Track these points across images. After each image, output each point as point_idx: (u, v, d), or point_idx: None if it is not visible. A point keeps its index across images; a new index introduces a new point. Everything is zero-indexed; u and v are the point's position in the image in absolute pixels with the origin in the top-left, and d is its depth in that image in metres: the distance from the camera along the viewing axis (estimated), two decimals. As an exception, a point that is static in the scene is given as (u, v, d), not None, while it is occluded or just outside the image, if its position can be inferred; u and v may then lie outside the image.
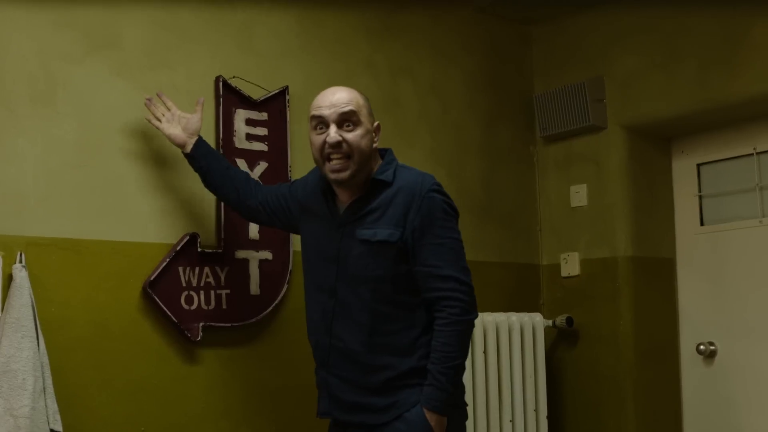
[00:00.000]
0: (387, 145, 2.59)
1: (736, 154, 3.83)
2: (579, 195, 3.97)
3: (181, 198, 2.94)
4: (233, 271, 3.01)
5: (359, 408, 2.41)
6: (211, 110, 3.03)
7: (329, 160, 2.40)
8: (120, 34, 2.86)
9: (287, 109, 3.18)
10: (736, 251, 3.80)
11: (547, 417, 3.73)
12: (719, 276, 3.86)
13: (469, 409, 3.41)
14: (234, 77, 3.08)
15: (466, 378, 2.68)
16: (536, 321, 3.76)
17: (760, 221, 3.74)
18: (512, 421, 3.62)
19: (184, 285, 2.88)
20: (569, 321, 3.88)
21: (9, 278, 2.53)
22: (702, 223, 3.95)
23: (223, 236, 2.99)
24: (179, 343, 2.88)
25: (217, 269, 2.98)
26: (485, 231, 3.87)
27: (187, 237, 2.90)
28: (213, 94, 3.04)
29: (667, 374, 3.91)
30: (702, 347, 3.83)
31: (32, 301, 2.51)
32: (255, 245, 3.06)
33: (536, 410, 3.70)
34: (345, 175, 2.40)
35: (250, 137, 3.09)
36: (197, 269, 2.92)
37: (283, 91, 3.18)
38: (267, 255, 3.09)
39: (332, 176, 2.41)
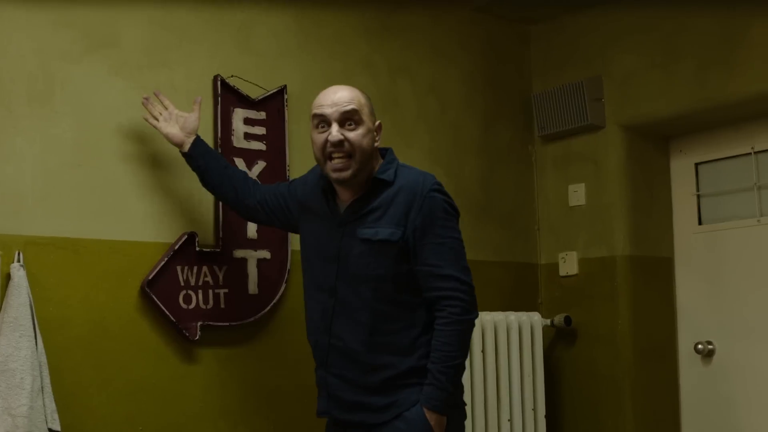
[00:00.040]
0: (385, 145, 2.59)
1: (735, 154, 3.83)
2: (577, 194, 3.98)
3: (179, 197, 2.94)
4: (231, 270, 3.01)
5: (359, 407, 2.41)
6: (210, 109, 3.03)
7: (331, 159, 2.40)
8: (118, 34, 2.86)
9: (285, 108, 3.18)
10: (734, 250, 3.80)
11: (546, 416, 3.73)
12: (717, 275, 3.86)
13: (468, 409, 3.41)
14: (232, 76, 3.08)
15: (465, 377, 2.68)
16: (534, 320, 3.76)
17: (758, 220, 3.74)
18: (510, 420, 3.62)
19: (182, 284, 2.89)
20: (567, 320, 3.88)
21: (7, 277, 2.53)
22: (700, 223, 3.95)
23: (221, 235, 2.99)
24: (177, 342, 2.88)
25: (216, 268, 2.98)
26: (484, 230, 3.87)
27: (186, 236, 2.91)
28: (211, 94, 3.04)
29: (665, 373, 3.92)
30: (700, 346, 3.83)
31: (30, 301, 2.51)
32: (253, 244, 3.07)
33: (534, 409, 3.70)
34: (347, 174, 2.39)
35: (248, 136, 3.10)
36: (195, 268, 2.92)
37: (282, 91, 3.18)
38: (265, 254, 3.09)
39: (334, 175, 2.41)
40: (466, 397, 3.39)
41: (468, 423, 3.29)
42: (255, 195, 2.75)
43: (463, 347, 2.38)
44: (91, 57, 2.80)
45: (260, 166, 3.10)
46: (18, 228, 2.61)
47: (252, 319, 3.03)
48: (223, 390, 2.98)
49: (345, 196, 2.47)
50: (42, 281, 2.62)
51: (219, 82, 3.03)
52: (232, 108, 3.07)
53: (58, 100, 2.72)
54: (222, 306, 2.97)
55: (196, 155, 2.76)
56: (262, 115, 3.13)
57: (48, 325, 2.59)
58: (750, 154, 3.78)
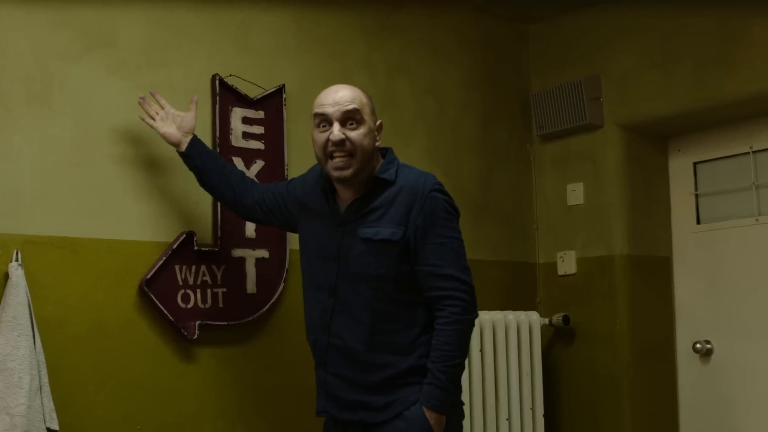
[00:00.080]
0: (384, 144, 2.58)
1: (733, 153, 3.83)
2: (576, 193, 3.98)
3: (177, 196, 2.94)
4: (230, 269, 3.01)
5: (358, 406, 2.41)
6: (208, 108, 3.03)
7: (332, 157, 2.40)
8: (117, 33, 2.86)
9: (284, 107, 3.18)
10: (733, 250, 3.81)
11: (544, 415, 3.73)
12: (716, 274, 3.86)
13: (466, 408, 3.41)
14: (231, 75, 3.08)
15: (463, 376, 2.68)
16: (533, 319, 3.76)
17: (757, 220, 3.75)
18: (509, 419, 3.62)
19: (180, 283, 2.89)
20: (566, 319, 3.88)
21: (5, 276, 2.53)
22: (698, 222, 3.96)
23: (219, 235, 2.99)
24: (176, 341, 2.88)
25: (214, 268, 2.98)
26: (482, 229, 3.87)
27: (184, 235, 2.91)
28: (210, 93, 3.04)
29: (663, 372, 3.92)
30: (698, 345, 3.84)
31: (28, 300, 2.51)
32: (251, 244, 3.07)
33: (533, 409, 3.71)
34: (348, 173, 2.39)
35: (246, 136, 3.10)
36: (194, 268, 2.93)
37: (280, 90, 3.19)
38: (263, 253, 3.09)
39: (335, 173, 2.41)
40: (465, 397, 3.39)
41: (466, 422, 3.29)
42: (253, 194, 2.74)
43: (463, 347, 2.39)
44: (89, 56, 2.80)
45: (259, 165, 3.10)
46: (16, 227, 2.61)
47: (250, 318, 3.03)
48: (222, 389, 2.98)
49: (345, 196, 2.47)
50: (40, 280, 2.62)
51: (217, 82, 3.03)
52: (230, 107, 3.07)
53: (56, 100, 2.72)
54: (220, 305, 2.97)
55: (194, 155, 2.75)
56: (260, 114, 3.13)
57: (46, 324, 2.59)
58: (748, 153, 3.79)
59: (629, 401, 3.77)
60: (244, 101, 3.10)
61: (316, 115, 2.42)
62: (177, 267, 2.88)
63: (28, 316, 2.49)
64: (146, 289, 2.80)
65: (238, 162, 3.05)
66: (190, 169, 2.78)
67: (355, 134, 2.39)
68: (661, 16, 3.73)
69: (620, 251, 3.83)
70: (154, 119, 2.78)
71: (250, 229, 3.06)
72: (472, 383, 3.51)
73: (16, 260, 2.55)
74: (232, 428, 2.99)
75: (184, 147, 2.76)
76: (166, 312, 2.83)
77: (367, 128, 2.41)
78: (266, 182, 2.92)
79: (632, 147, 3.91)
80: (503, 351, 3.63)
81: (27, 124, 2.66)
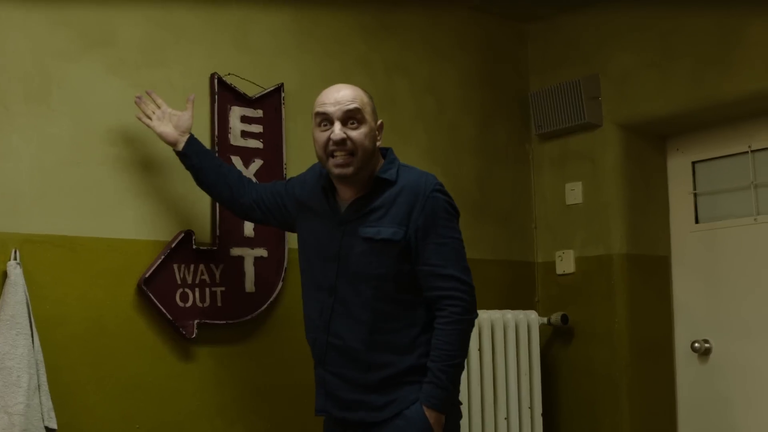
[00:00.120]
0: (383, 144, 2.59)
1: (731, 152, 3.84)
2: (574, 193, 3.98)
3: (175, 195, 2.94)
4: (228, 268, 3.01)
5: (358, 405, 2.41)
6: (207, 107, 3.03)
7: (333, 156, 2.40)
8: (115, 32, 2.86)
9: (282, 106, 3.19)
10: (731, 249, 3.81)
11: (542, 414, 3.74)
12: (714, 274, 3.86)
13: (465, 407, 3.42)
14: (229, 74, 3.08)
15: (462, 375, 2.68)
16: (531, 318, 3.76)
17: (755, 219, 3.75)
18: (507, 418, 3.62)
19: (179, 282, 2.89)
20: (564, 318, 3.88)
21: (4, 275, 2.53)
22: (697, 221, 3.96)
23: (218, 233, 3.00)
24: (174, 340, 2.88)
25: (212, 267, 2.98)
26: (481, 228, 3.87)
27: (182, 234, 2.91)
28: (208, 92, 3.04)
29: (662, 372, 3.92)
30: (697, 345, 3.84)
31: (27, 299, 2.51)
32: (250, 243, 3.07)
33: (531, 408, 3.71)
34: (349, 170, 2.39)
35: (245, 134, 3.10)
36: (192, 267, 2.93)
37: (279, 89, 3.19)
38: (262, 252, 3.09)
39: (336, 171, 2.40)
40: (463, 396, 3.39)
41: (465, 421, 3.30)
42: (250, 193, 2.74)
43: (463, 347, 2.39)
44: (87, 55, 2.80)
45: (257, 164, 3.10)
46: (15, 226, 2.61)
47: (249, 317, 3.03)
48: (220, 388, 2.98)
49: (346, 195, 2.47)
50: (39, 279, 2.62)
51: (216, 80, 3.03)
52: (229, 106, 3.07)
53: (54, 99, 2.72)
54: (219, 304, 2.97)
55: (190, 154, 2.75)
56: (259, 113, 3.13)
57: (45, 323, 2.59)
58: (747, 152, 3.79)
59: (628, 400, 3.77)
60: (243, 100, 3.10)
61: (317, 114, 2.42)
62: (175, 266, 2.88)
63: (26, 314, 2.49)
64: (145, 288, 2.80)
65: (237, 161, 3.05)
66: (187, 168, 2.78)
67: (356, 134, 2.39)
68: (659, 15, 3.73)
69: (619, 250, 3.84)
70: (150, 119, 2.78)
71: (248, 228, 3.06)
72: (470, 382, 3.51)
73: (15, 259, 2.55)
74: (231, 427, 2.99)
75: (180, 146, 2.75)
76: (164, 311, 2.83)
77: (368, 128, 2.41)
78: (265, 181, 2.92)
79: (631, 146, 3.91)
80: (502, 350, 3.63)
81: (25, 123, 2.66)
